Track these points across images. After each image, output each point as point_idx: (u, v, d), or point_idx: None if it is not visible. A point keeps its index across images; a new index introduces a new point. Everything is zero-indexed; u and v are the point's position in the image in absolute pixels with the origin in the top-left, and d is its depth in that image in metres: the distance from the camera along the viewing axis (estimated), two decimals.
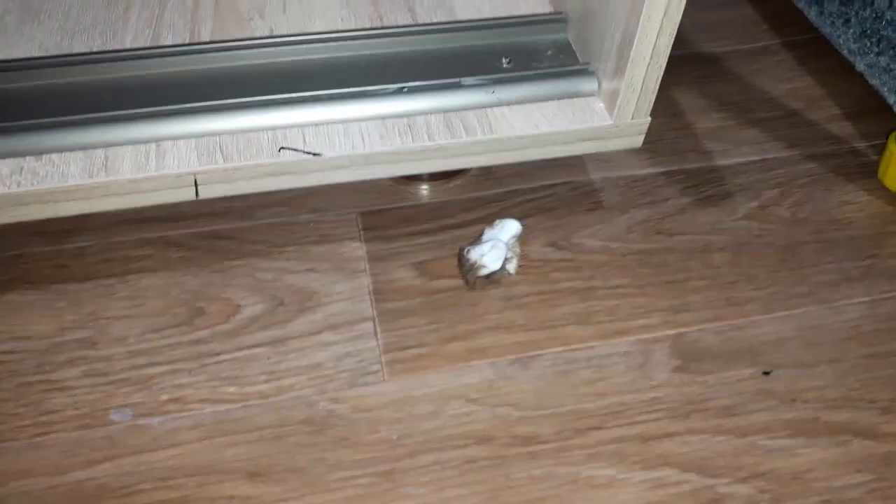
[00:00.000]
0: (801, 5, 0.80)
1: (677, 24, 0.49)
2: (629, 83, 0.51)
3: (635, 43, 0.49)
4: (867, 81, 0.72)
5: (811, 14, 0.78)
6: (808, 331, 0.59)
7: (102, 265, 0.60)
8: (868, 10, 0.70)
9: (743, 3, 0.88)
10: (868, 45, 0.71)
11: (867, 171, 0.70)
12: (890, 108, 0.70)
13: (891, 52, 0.68)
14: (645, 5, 0.46)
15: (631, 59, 0.50)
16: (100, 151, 0.50)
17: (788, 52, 0.82)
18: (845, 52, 0.74)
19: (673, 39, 0.50)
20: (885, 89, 0.70)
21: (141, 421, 0.52)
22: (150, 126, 0.51)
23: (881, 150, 0.72)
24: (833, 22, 0.75)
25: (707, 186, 0.68)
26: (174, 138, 0.51)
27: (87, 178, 0.49)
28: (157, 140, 0.51)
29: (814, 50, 0.82)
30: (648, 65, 0.50)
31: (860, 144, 0.73)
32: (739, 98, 0.77)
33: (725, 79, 0.79)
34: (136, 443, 0.51)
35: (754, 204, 0.67)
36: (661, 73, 0.51)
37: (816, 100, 0.77)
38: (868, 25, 0.70)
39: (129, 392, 0.53)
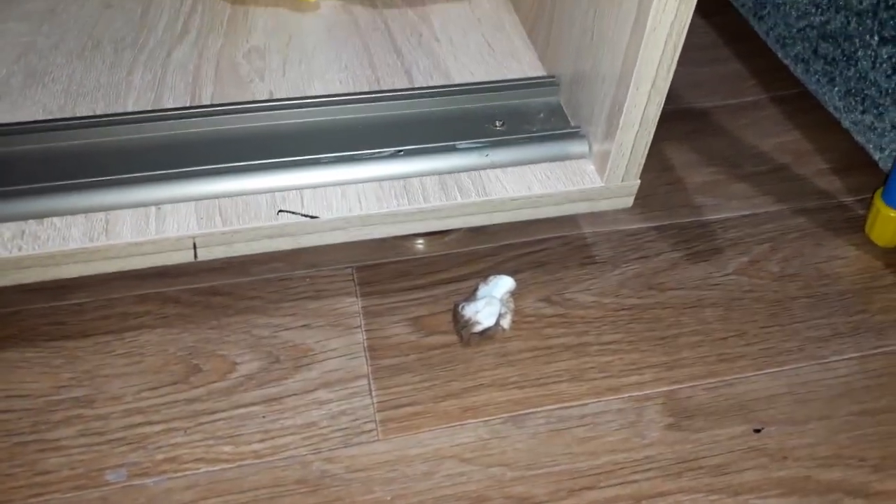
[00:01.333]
0: (787, 62, 0.82)
1: (665, 94, 0.50)
2: (619, 148, 0.53)
3: (624, 111, 0.50)
4: (852, 137, 0.74)
5: (797, 71, 0.81)
6: (799, 387, 0.59)
7: (100, 322, 0.60)
8: (852, 70, 0.72)
9: (732, 59, 0.90)
10: (853, 103, 0.72)
11: (855, 226, 0.71)
12: (876, 163, 0.72)
13: (875, 110, 0.70)
14: (633, 77, 0.48)
15: (620, 126, 0.51)
16: (101, 215, 0.51)
17: (776, 107, 0.84)
18: (831, 109, 0.76)
19: (661, 108, 0.51)
20: (871, 146, 0.71)
21: (136, 481, 0.52)
22: (150, 189, 0.52)
23: (868, 204, 0.73)
24: (819, 80, 0.77)
25: (698, 241, 0.70)
26: (174, 201, 0.52)
27: (88, 242, 0.50)
28: (158, 203, 0.52)
29: (801, 105, 0.84)
30: (637, 132, 0.52)
31: (847, 199, 0.74)
32: (728, 153, 0.79)
33: (714, 133, 0.81)
34: None
35: (745, 259, 0.68)
36: (650, 138, 0.53)
37: (804, 154, 0.79)
38: (852, 84, 0.72)
39: (125, 451, 0.53)
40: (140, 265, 0.51)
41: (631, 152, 0.53)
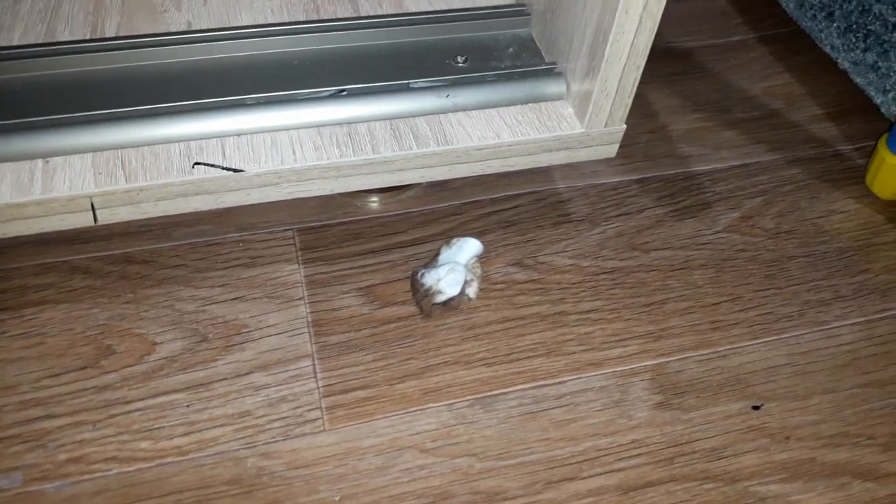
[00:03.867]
0: None
1: (658, 20, 0.42)
2: (603, 86, 0.45)
3: (610, 40, 0.42)
4: (849, 79, 0.67)
5: (790, 7, 0.73)
6: (800, 357, 0.53)
7: None
8: (854, 3, 0.65)
9: None
10: (853, 40, 0.65)
11: (854, 177, 0.65)
12: (875, 107, 0.65)
13: (878, 48, 0.63)
14: None
15: (605, 58, 0.43)
16: None
17: (765, 47, 0.77)
18: (827, 48, 0.69)
19: (653, 37, 0.43)
20: (872, 88, 0.64)
21: (33, 487, 0.44)
22: (35, 139, 0.42)
23: (867, 153, 0.67)
24: (814, 15, 0.70)
25: (685, 195, 0.62)
26: (66, 153, 0.43)
27: None
28: (45, 156, 0.42)
29: (791, 45, 0.77)
30: (625, 66, 0.44)
31: (845, 147, 0.67)
32: (715, 97, 0.71)
33: (699, 76, 0.73)
34: None
35: (736, 214, 0.61)
36: (639, 74, 0.45)
37: (796, 99, 0.72)
38: (854, 19, 0.65)
39: (20, 451, 0.45)
40: (25, 230, 0.42)
41: (616, 92, 0.45)
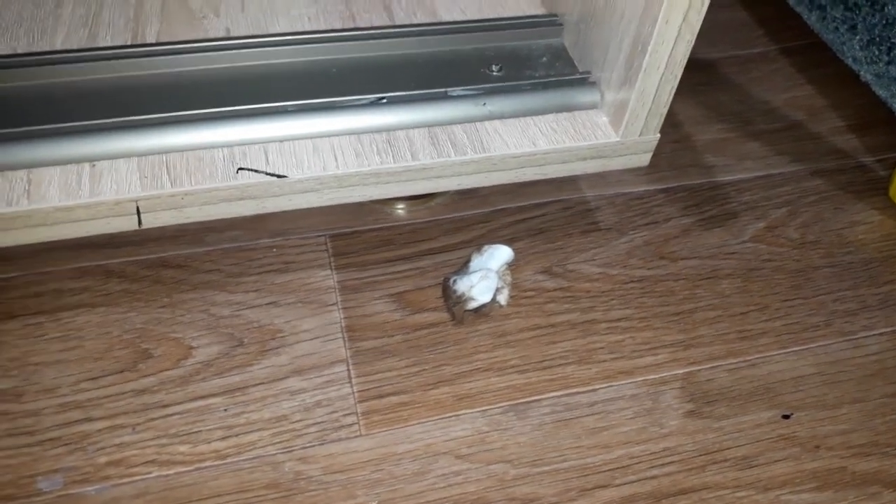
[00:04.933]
0: (800, 10, 0.75)
1: (696, 31, 0.43)
2: (640, 96, 0.45)
3: (649, 51, 0.43)
4: (871, 91, 0.67)
5: (811, 19, 0.74)
6: (829, 367, 0.53)
7: (30, 300, 0.51)
8: (878, 16, 0.65)
9: (736, 6, 0.83)
10: (877, 53, 0.66)
11: (877, 188, 0.65)
12: None
13: None
14: (663, 8, 0.40)
15: (643, 68, 0.43)
16: (21, 173, 0.42)
17: (786, 59, 0.77)
18: (849, 61, 0.69)
19: (691, 48, 0.44)
20: (894, 101, 0.65)
21: (74, 490, 0.44)
22: (83, 143, 0.43)
23: (890, 165, 0.67)
24: (837, 28, 0.70)
25: (710, 205, 0.63)
26: (112, 157, 0.43)
27: (6, 206, 0.41)
28: (92, 160, 0.43)
29: (812, 57, 0.77)
30: (662, 76, 0.44)
31: (867, 159, 0.68)
32: (738, 108, 0.72)
33: (722, 87, 0.74)
34: None
35: (761, 224, 0.62)
36: (676, 84, 0.45)
37: (818, 111, 0.72)
38: (877, 32, 0.65)
39: (61, 454, 0.45)
40: (71, 234, 0.43)
41: (653, 101, 0.46)
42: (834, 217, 0.63)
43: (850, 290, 0.58)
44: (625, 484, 0.47)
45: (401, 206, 0.60)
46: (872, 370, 0.53)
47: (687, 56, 0.44)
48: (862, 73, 0.68)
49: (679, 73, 0.45)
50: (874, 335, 0.55)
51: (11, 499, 0.43)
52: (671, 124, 0.69)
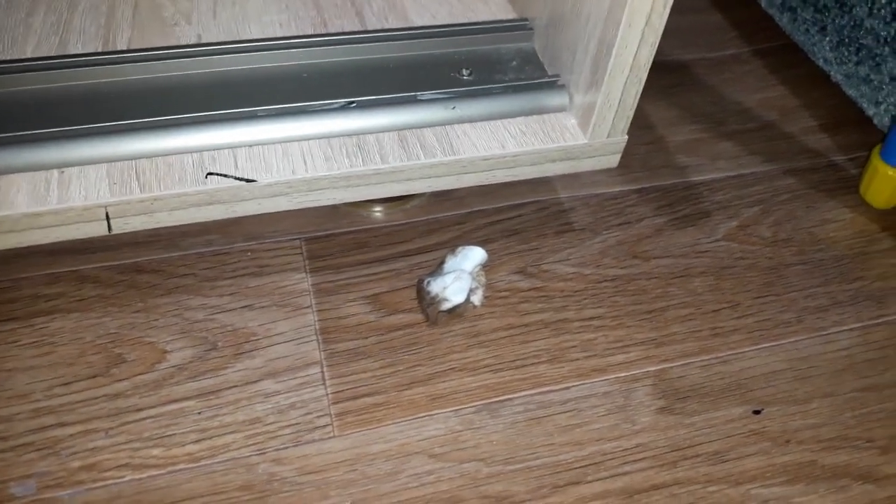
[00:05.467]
0: (772, 12, 0.76)
1: (660, 34, 0.43)
2: (606, 98, 0.46)
3: (613, 54, 0.43)
4: (843, 91, 0.68)
5: (783, 21, 0.75)
6: (800, 363, 0.54)
7: (3, 307, 0.52)
8: (846, 18, 0.66)
9: (710, 9, 0.84)
10: (846, 53, 0.67)
11: (848, 187, 0.66)
12: (868, 119, 0.67)
13: (871, 61, 0.64)
14: (625, 12, 0.41)
15: (609, 71, 0.44)
16: None
17: (759, 61, 0.78)
18: (820, 62, 0.71)
19: (655, 50, 0.44)
20: (864, 101, 0.66)
21: (48, 494, 0.44)
22: (52, 149, 0.43)
23: (861, 163, 0.68)
24: (808, 30, 0.71)
25: (683, 205, 0.63)
26: (81, 163, 0.44)
27: None
28: (61, 166, 0.43)
29: (784, 59, 0.78)
30: (627, 78, 0.45)
31: (839, 158, 0.69)
32: (711, 109, 0.72)
33: (695, 88, 0.74)
34: None
35: (734, 223, 0.62)
36: (641, 87, 0.46)
37: (791, 111, 0.73)
38: (846, 34, 0.66)
39: (34, 459, 0.45)
40: (41, 239, 0.43)
41: (619, 103, 0.47)
42: (806, 215, 0.64)
43: (821, 287, 0.59)
44: (597, 480, 0.47)
45: (377, 208, 0.60)
46: (842, 365, 0.54)
47: (651, 59, 0.45)
48: (832, 73, 0.69)
49: (644, 75, 0.45)
50: (844, 331, 0.56)
51: None
52: (644, 126, 0.70)
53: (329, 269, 0.56)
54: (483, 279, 0.55)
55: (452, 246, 0.56)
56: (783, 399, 0.52)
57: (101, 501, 0.44)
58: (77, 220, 0.42)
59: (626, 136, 0.50)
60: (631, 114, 0.48)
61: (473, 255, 0.55)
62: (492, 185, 0.60)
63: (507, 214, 0.61)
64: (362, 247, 0.58)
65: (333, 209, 0.59)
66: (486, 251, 0.55)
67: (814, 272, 0.60)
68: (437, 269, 0.55)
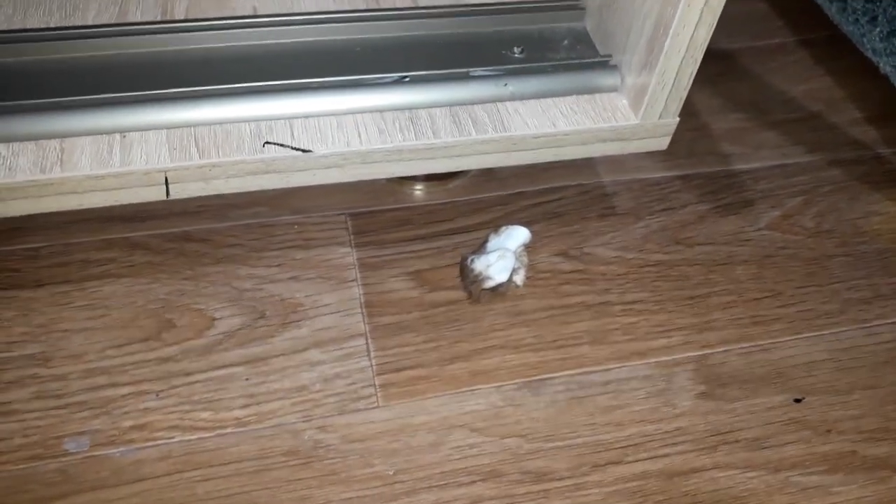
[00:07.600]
0: (820, 1, 0.75)
1: (718, 15, 0.43)
2: (660, 78, 0.46)
3: (671, 34, 0.43)
4: (890, 83, 0.68)
5: (831, 10, 0.74)
6: (841, 353, 0.54)
7: (57, 269, 0.53)
8: None
9: None
10: None
11: (893, 180, 0.66)
12: None
13: None
14: None
15: (665, 51, 0.44)
16: (55, 143, 0.43)
17: (804, 51, 0.78)
18: (869, 52, 0.70)
19: (712, 31, 0.44)
20: None
21: (100, 451, 0.45)
22: (114, 114, 0.44)
23: None
24: (857, 20, 0.70)
25: (726, 193, 0.63)
26: (142, 129, 0.44)
27: (39, 174, 0.42)
28: (123, 131, 0.44)
29: (830, 49, 0.77)
30: (683, 59, 0.45)
31: (885, 151, 0.68)
32: (756, 98, 0.72)
33: (740, 77, 0.74)
34: (94, 477, 0.44)
35: (777, 213, 0.62)
36: (696, 68, 0.46)
37: (836, 102, 0.73)
38: None
39: (87, 417, 0.46)
40: (102, 202, 0.44)
41: (673, 84, 0.47)
42: (849, 207, 0.63)
43: (864, 279, 0.58)
44: (637, 461, 0.48)
45: (419, 187, 0.61)
46: (885, 358, 0.54)
47: (708, 39, 0.45)
48: (881, 64, 0.68)
49: (700, 56, 0.45)
50: (887, 324, 0.56)
51: (39, 458, 0.45)
52: (689, 113, 0.69)
53: (373, 244, 0.57)
54: (525, 259, 0.55)
55: (495, 226, 0.57)
56: (824, 389, 0.52)
57: (152, 460, 0.45)
58: (137, 183, 0.43)
59: (678, 119, 0.50)
60: (685, 95, 0.48)
61: (517, 235, 0.55)
62: (534, 167, 0.60)
63: (550, 197, 0.61)
64: (405, 224, 0.58)
65: (378, 186, 0.60)
66: (530, 232, 0.56)
67: (857, 264, 0.59)
68: (480, 247, 0.55)
